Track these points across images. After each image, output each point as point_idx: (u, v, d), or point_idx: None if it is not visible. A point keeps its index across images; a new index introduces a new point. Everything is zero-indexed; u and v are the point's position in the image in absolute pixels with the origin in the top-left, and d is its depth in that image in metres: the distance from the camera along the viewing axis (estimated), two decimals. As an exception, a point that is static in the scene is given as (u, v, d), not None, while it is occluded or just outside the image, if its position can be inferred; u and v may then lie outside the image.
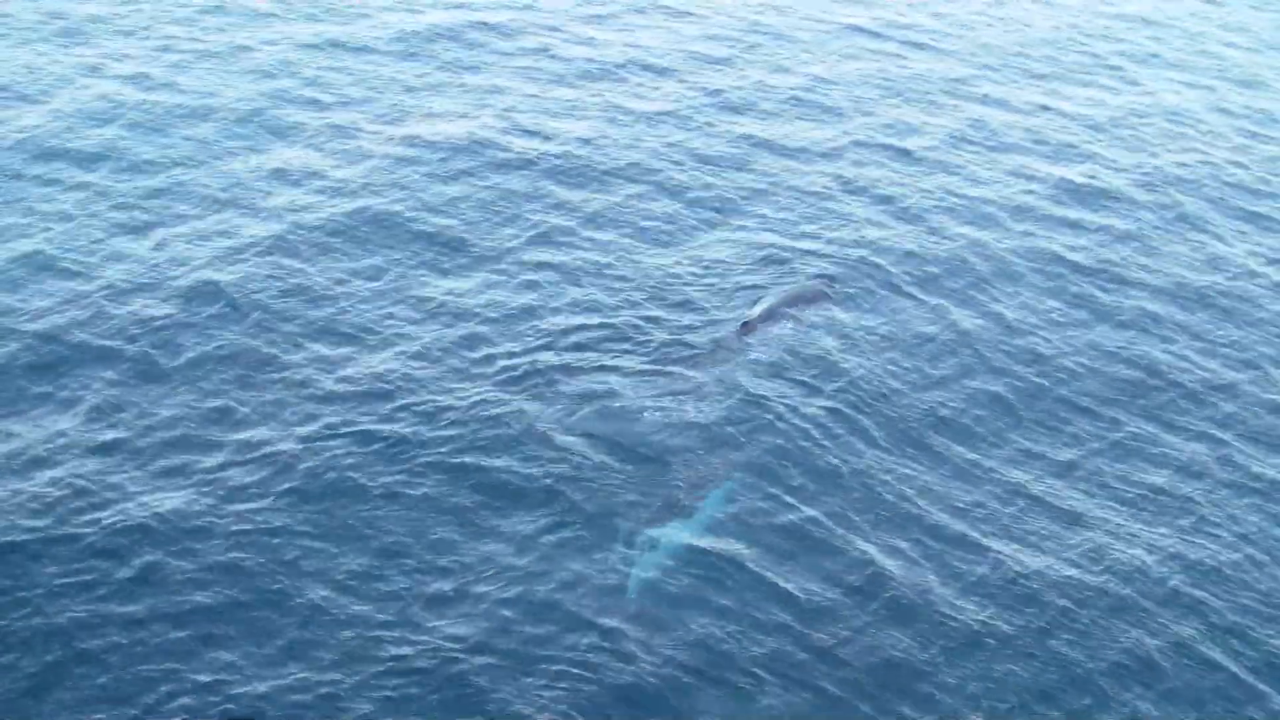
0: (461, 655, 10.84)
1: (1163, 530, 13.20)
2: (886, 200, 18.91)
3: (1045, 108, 22.90)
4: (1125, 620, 12.02)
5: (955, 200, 19.10)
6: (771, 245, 17.37)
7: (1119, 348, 16.06)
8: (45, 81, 19.70)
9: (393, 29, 23.03)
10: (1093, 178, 20.35)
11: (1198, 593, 12.44)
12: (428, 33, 23.05)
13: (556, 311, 15.40)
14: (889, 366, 15.06)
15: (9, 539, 11.42)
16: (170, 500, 12.02)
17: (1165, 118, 23.04)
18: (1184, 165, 21.12)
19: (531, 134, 19.68)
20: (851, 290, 16.47)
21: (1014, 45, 25.93)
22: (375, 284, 15.59)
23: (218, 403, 13.35)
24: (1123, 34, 27.42)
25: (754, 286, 16.33)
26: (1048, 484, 13.61)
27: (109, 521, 11.71)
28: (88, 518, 11.73)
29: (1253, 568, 12.79)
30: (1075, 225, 18.84)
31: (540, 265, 16.34)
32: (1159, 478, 13.93)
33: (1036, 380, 15.25)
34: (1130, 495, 13.64)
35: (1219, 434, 14.69)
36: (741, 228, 17.74)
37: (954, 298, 16.62)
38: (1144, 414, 14.90)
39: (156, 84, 19.99)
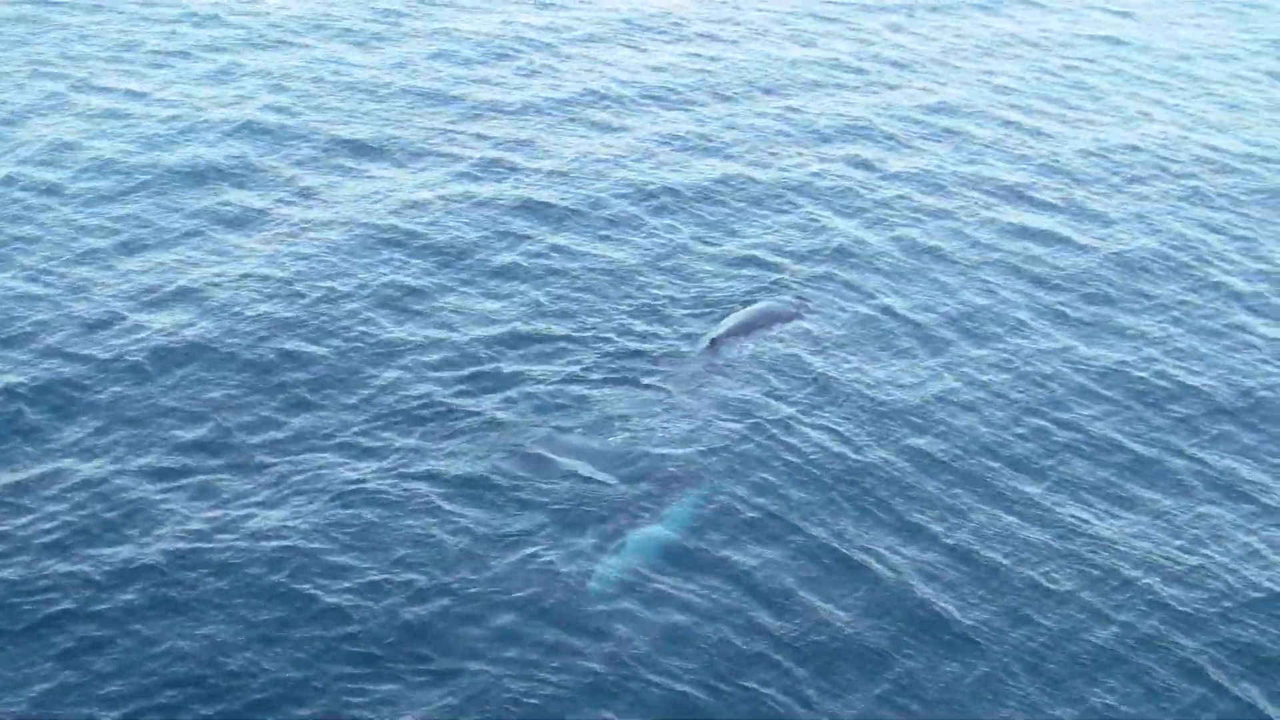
0: (429, 651, 11.19)
1: (1125, 519, 13.58)
2: (857, 216, 19.35)
3: (1021, 127, 23.38)
4: (1107, 608, 12.41)
5: (927, 217, 19.56)
6: (745, 260, 17.82)
7: (1093, 356, 16.48)
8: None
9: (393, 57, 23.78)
10: (1067, 197, 20.85)
11: (1167, 591, 12.75)
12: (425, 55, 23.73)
13: (529, 322, 15.81)
14: (858, 375, 15.43)
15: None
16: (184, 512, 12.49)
17: (1144, 138, 23.53)
18: (1167, 187, 21.60)
19: (509, 154, 20.23)
20: (821, 306, 16.84)
21: (991, 69, 26.44)
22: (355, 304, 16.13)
23: (210, 425, 13.79)
24: (1100, 57, 27.95)
25: (726, 300, 16.75)
26: (1030, 488, 13.96)
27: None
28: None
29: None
30: (1050, 238, 19.30)
31: (514, 277, 16.80)
32: (1134, 481, 14.29)
33: (1009, 384, 15.63)
34: (1096, 492, 14.05)
35: (1195, 441, 15.10)
36: (716, 242, 18.19)
37: (928, 313, 16.99)
38: (1116, 419, 15.29)
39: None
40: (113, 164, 18.77)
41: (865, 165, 21.03)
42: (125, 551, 11.89)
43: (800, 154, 21.19)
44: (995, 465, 14.17)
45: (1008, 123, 23.39)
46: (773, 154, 21.13)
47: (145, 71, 22.01)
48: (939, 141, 22.32)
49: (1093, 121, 23.96)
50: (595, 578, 12.04)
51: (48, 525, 12.16)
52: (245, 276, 16.27)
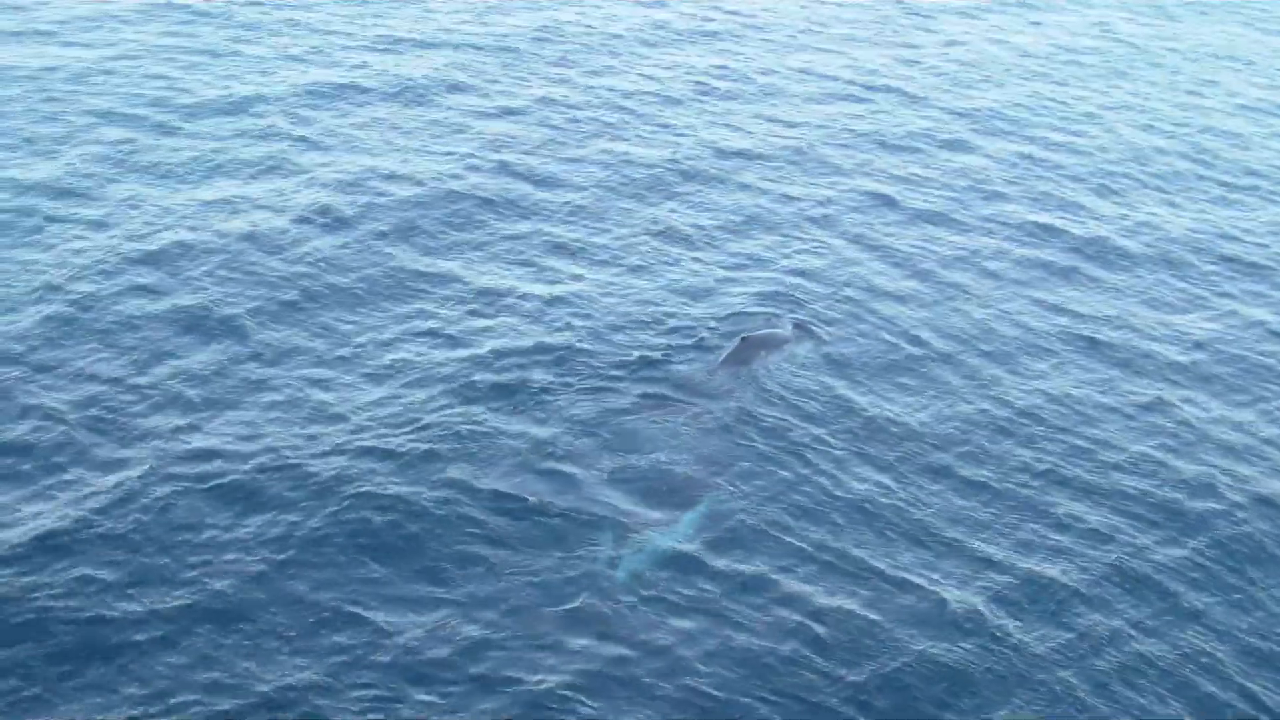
0: (443, 654, 11.63)
1: (1140, 539, 14.00)
2: (861, 241, 19.82)
3: (1027, 156, 23.82)
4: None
5: (937, 245, 20.02)
6: (756, 281, 18.35)
7: (1089, 378, 16.93)
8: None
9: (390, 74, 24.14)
10: (1078, 223, 21.28)
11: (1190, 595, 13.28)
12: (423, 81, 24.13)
13: (540, 336, 16.35)
14: (865, 394, 15.91)
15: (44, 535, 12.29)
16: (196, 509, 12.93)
17: (1141, 159, 24.04)
18: (1165, 208, 22.09)
19: (512, 167, 20.83)
20: (828, 328, 17.26)
21: (996, 93, 26.89)
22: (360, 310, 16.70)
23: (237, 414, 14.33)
24: (1096, 84, 28.43)
25: (741, 318, 17.27)
26: (1046, 498, 14.45)
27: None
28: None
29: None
30: (1058, 270, 19.75)
31: (523, 294, 17.30)
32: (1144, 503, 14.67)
33: (1020, 402, 16.12)
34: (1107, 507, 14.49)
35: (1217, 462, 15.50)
36: (723, 265, 18.70)
37: (938, 335, 17.44)
38: (1112, 435, 15.72)
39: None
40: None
41: (881, 199, 21.47)
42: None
43: (816, 180, 21.69)
44: (1032, 485, 14.66)
45: (1026, 156, 23.80)
46: (792, 178, 21.61)
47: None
48: (956, 174, 22.74)
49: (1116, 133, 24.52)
50: (622, 570, 12.60)
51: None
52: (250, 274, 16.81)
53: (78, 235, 17.67)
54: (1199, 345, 17.87)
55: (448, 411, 14.66)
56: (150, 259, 17.18)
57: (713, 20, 29.55)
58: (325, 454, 13.76)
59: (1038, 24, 31.89)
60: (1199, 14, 33.62)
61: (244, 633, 11.60)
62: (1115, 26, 32.09)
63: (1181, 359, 17.46)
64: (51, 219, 18.02)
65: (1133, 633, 12.65)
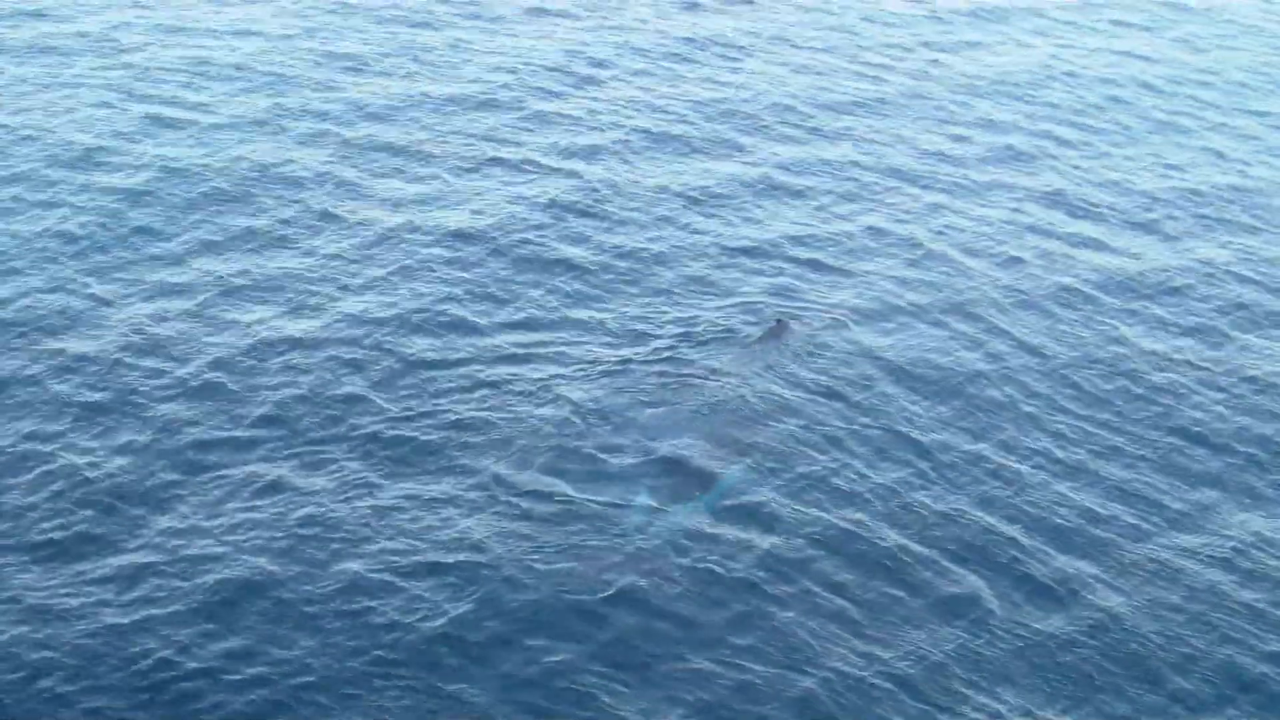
0: (472, 614, 11.90)
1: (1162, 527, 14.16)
2: (890, 237, 19.90)
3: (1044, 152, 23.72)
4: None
5: (952, 235, 20.12)
6: (783, 274, 18.51)
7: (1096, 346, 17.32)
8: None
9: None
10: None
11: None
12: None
13: (572, 329, 16.59)
14: (896, 379, 16.14)
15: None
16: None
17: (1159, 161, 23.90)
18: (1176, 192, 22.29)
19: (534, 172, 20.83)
20: (855, 318, 17.45)
21: (1010, 87, 26.74)
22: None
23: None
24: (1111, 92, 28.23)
25: (764, 303, 17.48)
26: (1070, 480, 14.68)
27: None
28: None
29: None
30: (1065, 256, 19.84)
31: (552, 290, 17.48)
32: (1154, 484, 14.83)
33: (1039, 384, 16.38)
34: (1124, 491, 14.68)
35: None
36: (750, 257, 18.84)
37: (956, 325, 17.62)
38: (1132, 419, 15.93)
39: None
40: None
41: (896, 175, 21.75)
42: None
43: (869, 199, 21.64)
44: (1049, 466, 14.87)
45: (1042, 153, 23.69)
46: (799, 184, 21.55)
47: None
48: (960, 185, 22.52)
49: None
50: (654, 532, 12.93)
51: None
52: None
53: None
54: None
55: (478, 390, 15.01)
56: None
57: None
58: (354, 442, 14.02)
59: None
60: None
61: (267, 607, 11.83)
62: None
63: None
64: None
65: (1131, 628, 12.76)
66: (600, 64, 25.34)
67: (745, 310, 17.21)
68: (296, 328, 15.87)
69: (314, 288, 16.82)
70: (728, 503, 13.52)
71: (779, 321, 16.56)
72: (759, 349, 16.18)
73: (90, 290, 16.34)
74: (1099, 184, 22.58)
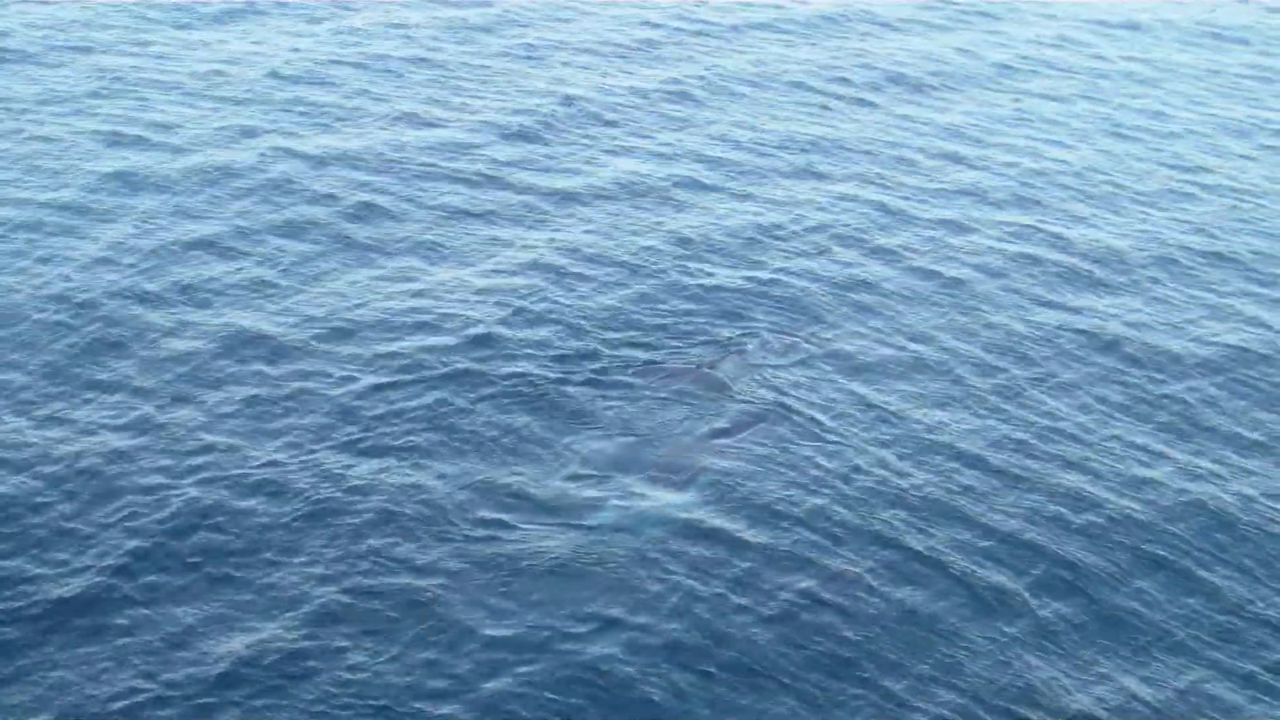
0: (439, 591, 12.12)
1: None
2: (865, 244, 19.98)
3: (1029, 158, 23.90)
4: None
5: (939, 248, 20.16)
6: (760, 282, 18.51)
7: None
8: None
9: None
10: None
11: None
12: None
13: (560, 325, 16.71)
14: (871, 383, 16.23)
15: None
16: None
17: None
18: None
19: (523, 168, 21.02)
20: (834, 326, 17.51)
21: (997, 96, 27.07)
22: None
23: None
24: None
25: (740, 311, 17.53)
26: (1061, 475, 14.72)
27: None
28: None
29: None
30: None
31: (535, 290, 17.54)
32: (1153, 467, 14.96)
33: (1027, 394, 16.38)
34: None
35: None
36: (727, 266, 18.85)
37: (943, 333, 17.64)
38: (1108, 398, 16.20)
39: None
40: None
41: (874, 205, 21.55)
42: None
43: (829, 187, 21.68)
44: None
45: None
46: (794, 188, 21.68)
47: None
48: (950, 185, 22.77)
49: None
50: (632, 533, 13.08)
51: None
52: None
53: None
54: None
55: (457, 399, 15.04)
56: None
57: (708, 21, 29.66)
58: (342, 446, 14.02)
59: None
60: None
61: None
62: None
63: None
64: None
65: (1128, 624, 12.79)
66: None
67: (710, 325, 17.15)
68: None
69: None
70: (702, 508, 13.56)
71: (747, 334, 16.76)
72: (730, 359, 16.28)
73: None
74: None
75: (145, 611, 11.59)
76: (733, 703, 11.29)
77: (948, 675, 11.77)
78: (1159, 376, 16.92)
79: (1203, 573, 13.36)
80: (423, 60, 25.55)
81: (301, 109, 22.59)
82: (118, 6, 26.42)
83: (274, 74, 23.87)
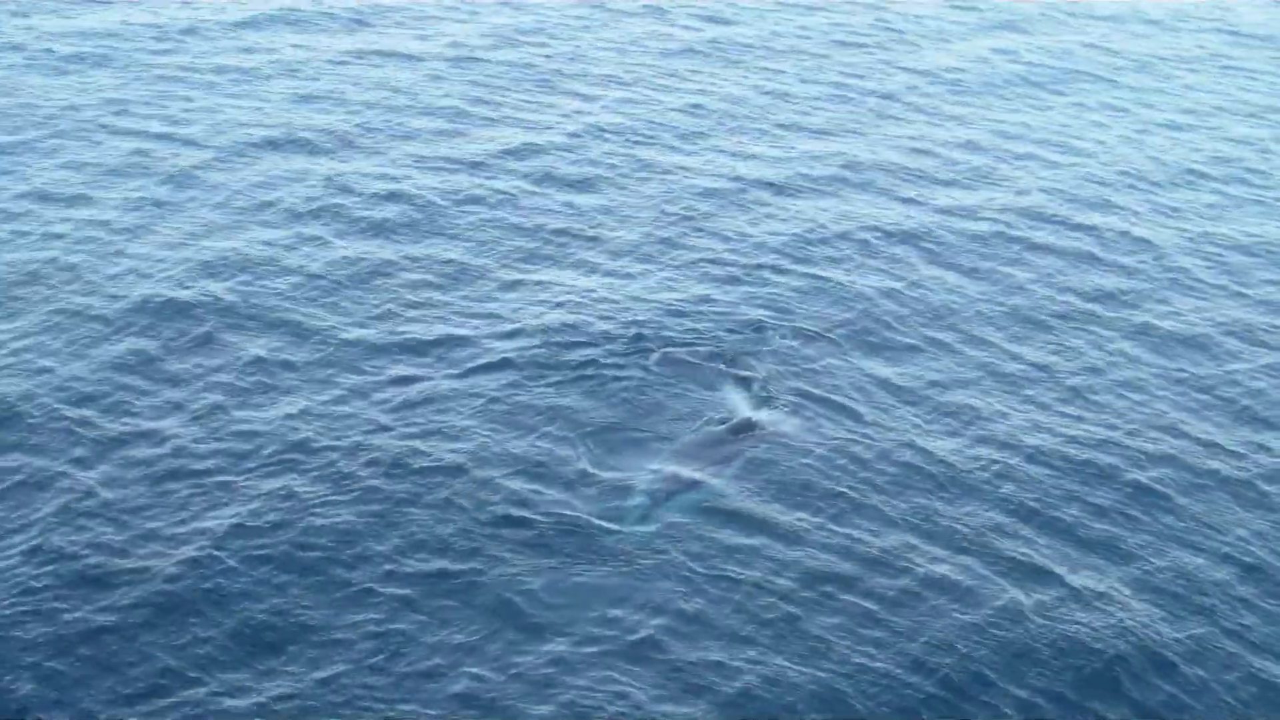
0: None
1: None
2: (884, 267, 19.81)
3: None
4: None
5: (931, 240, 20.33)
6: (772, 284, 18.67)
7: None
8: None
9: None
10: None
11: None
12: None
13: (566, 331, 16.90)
14: (887, 368, 16.44)
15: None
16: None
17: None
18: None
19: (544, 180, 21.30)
20: (846, 323, 17.63)
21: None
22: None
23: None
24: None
25: (755, 315, 17.61)
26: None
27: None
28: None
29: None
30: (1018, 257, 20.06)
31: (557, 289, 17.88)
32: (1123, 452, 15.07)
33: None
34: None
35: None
36: (742, 269, 19.03)
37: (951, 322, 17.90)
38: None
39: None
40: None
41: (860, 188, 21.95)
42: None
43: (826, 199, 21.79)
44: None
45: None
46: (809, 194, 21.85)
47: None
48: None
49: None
50: (634, 528, 13.20)
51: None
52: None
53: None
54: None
55: (485, 391, 15.39)
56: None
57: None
58: (374, 431, 14.42)
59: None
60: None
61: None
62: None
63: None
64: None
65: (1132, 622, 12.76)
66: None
67: (727, 322, 17.41)
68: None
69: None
70: (718, 502, 13.75)
71: (758, 330, 17.11)
72: (744, 357, 16.49)
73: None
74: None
75: (234, 605, 11.94)
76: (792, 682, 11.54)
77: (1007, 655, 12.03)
78: (1201, 360, 17.22)
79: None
80: (473, 61, 26.25)
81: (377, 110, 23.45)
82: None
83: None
